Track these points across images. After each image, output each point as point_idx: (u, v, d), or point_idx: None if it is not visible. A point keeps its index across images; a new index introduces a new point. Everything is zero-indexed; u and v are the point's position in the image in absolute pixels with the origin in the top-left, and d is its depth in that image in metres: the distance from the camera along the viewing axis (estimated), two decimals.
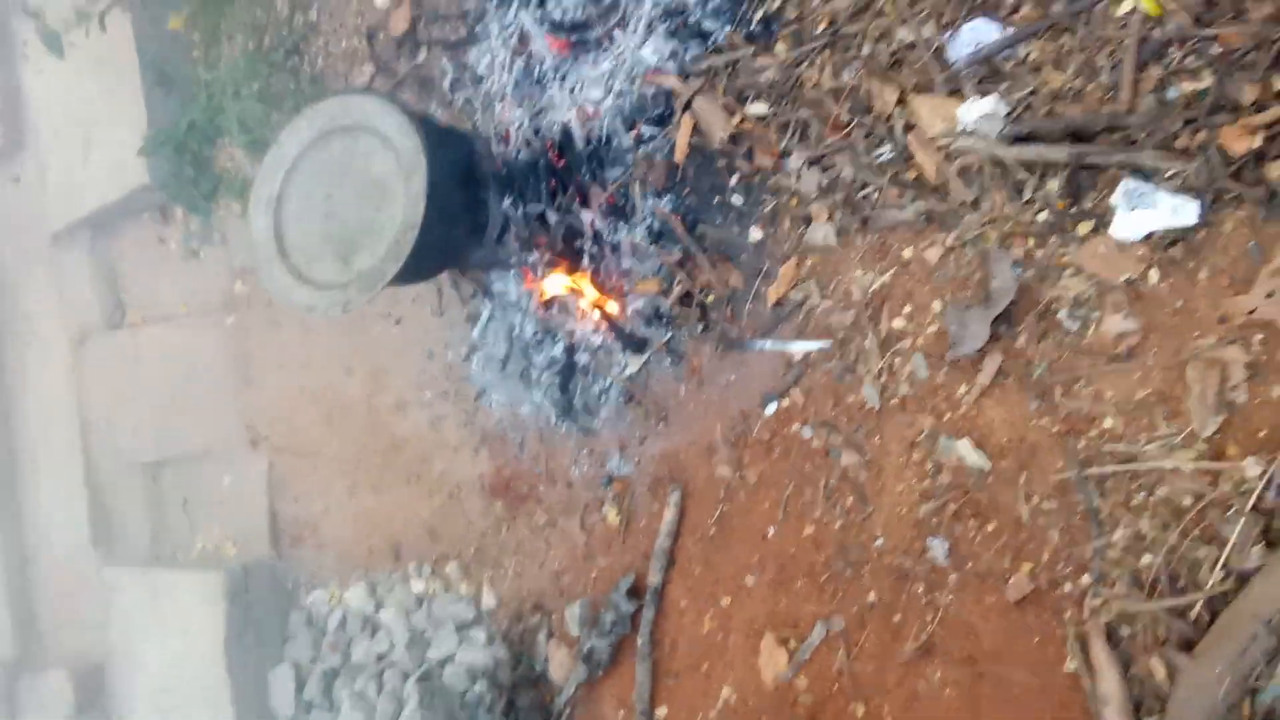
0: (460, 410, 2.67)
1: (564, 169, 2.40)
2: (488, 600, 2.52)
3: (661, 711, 2.12)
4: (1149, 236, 1.67)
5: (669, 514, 2.17)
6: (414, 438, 2.76)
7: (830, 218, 2.02)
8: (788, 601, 1.99)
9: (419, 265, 2.28)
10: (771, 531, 2.04)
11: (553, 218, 2.39)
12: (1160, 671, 1.59)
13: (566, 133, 2.40)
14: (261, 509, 3.03)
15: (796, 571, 1.99)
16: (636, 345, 2.33)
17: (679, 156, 2.21)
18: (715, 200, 2.21)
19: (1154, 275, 1.68)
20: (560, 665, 2.28)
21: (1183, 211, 1.63)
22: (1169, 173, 1.64)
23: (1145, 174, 1.67)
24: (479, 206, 2.46)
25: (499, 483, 2.57)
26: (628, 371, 2.34)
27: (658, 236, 2.28)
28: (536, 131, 2.46)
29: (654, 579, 2.16)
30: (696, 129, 2.19)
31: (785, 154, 2.08)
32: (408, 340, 2.78)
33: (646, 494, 2.25)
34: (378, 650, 2.55)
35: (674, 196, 2.25)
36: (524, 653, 2.37)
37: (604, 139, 2.36)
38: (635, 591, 2.18)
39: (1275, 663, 1.44)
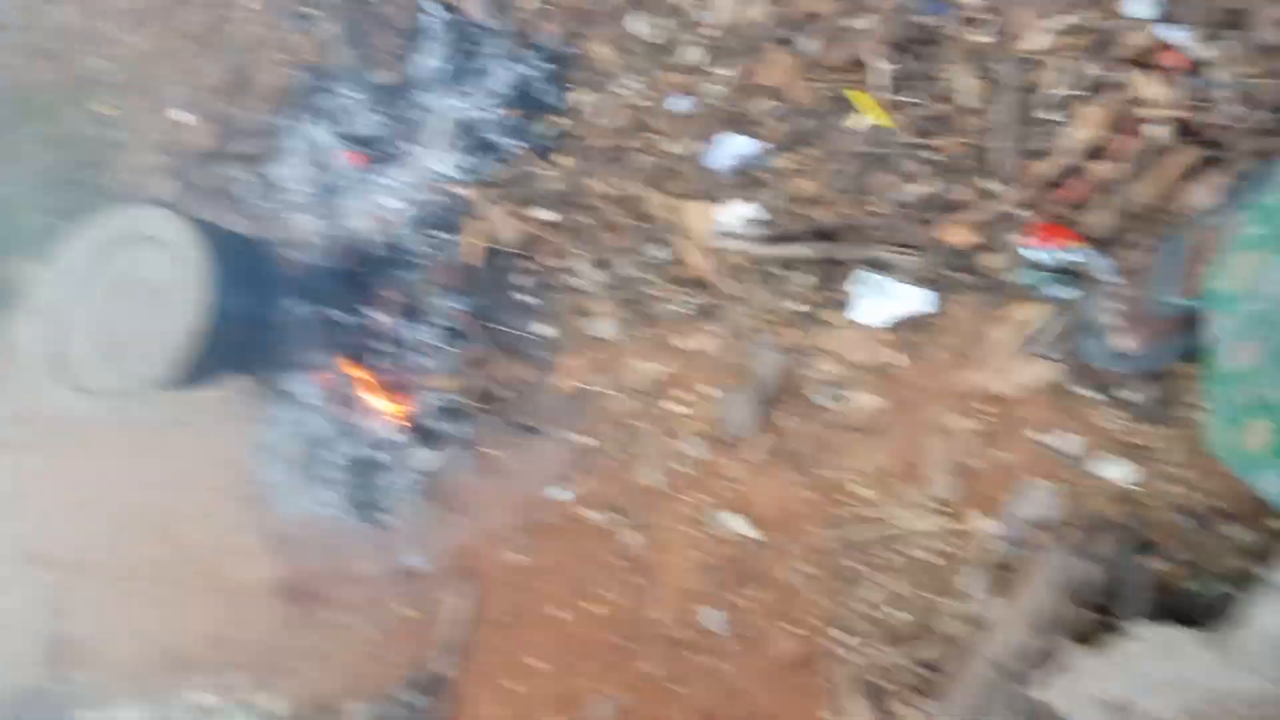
0: (256, 514, 2.61)
1: (359, 273, 2.47)
2: (279, 709, 2.41)
3: None
4: (892, 322, 1.88)
5: (464, 605, 2.17)
6: (208, 545, 2.66)
7: (613, 314, 2.16)
8: (574, 681, 2.01)
9: (205, 370, 2.28)
10: (561, 614, 2.08)
11: (348, 320, 2.44)
12: (913, 717, 1.70)
13: (362, 239, 2.48)
14: (37, 630, 2.82)
15: (584, 651, 2.02)
16: (433, 441, 2.36)
17: (471, 259, 2.32)
18: (507, 300, 2.31)
19: (896, 356, 1.87)
20: None
21: (916, 299, 1.84)
22: (902, 266, 1.86)
23: (882, 267, 1.88)
24: (272, 311, 2.48)
25: (294, 586, 2.50)
26: (424, 467, 2.36)
27: (452, 336, 2.36)
28: (333, 238, 2.53)
29: (448, 671, 2.13)
30: (488, 234, 2.31)
31: (570, 256, 2.22)
32: (203, 446, 2.71)
33: (443, 586, 2.25)
34: None
35: (467, 297, 2.34)
36: None
37: (399, 244, 2.45)
38: (428, 685, 2.15)
39: (1005, 703, 1.56)
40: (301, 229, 2.60)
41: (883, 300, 1.88)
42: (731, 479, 1.98)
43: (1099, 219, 1.71)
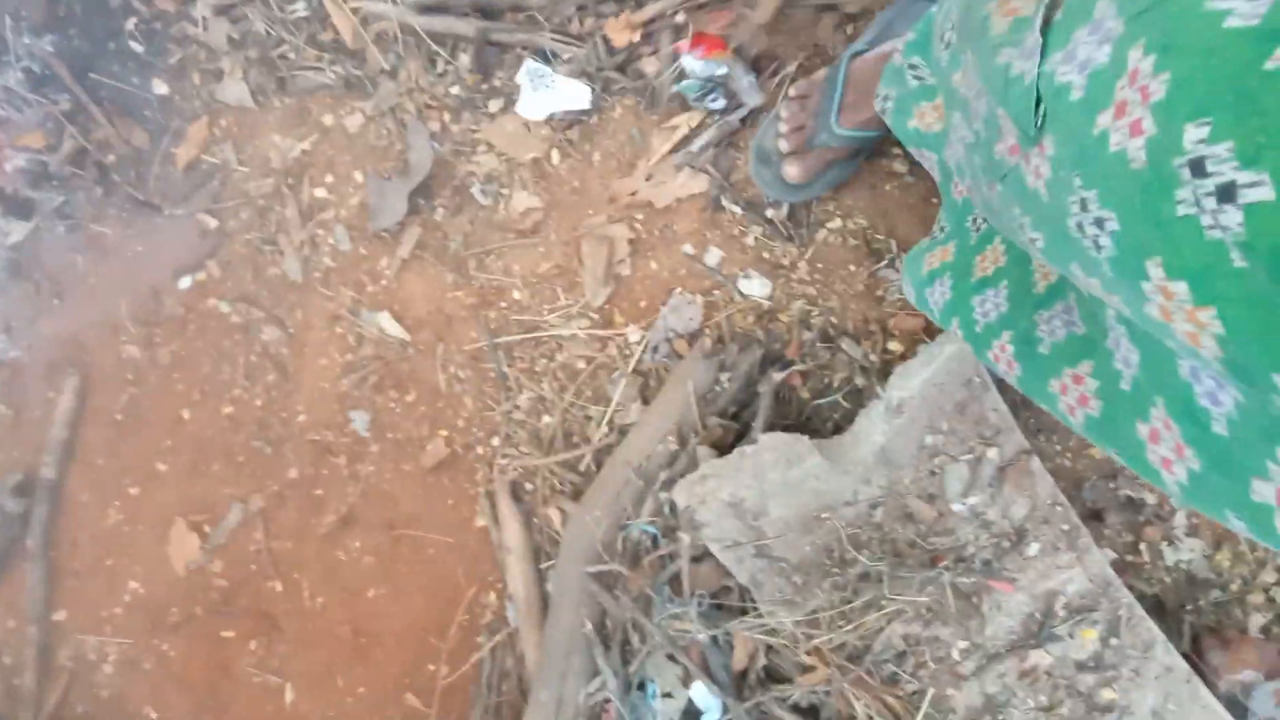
0: None
1: None
2: None
3: (60, 615, 1.91)
4: (551, 118, 1.77)
5: (66, 401, 1.93)
6: None
7: (244, 75, 1.87)
8: (204, 485, 1.88)
9: None
10: (187, 414, 1.90)
11: None
12: (556, 520, 1.76)
13: None
14: None
15: (214, 454, 1.88)
16: (21, 209, 1.99)
17: None
18: (111, 46, 1.93)
19: (556, 156, 1.79)
20: None
21: (577, 96, 1.75)
22: (565, 57, 1.74)
23: (546, 56, 1.76)
24: None
25: None
26: (11, 239, 2.00)
27: (40, 82, 1.95)
28: None
29: (48, 473, 1.91)
30: None
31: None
32: None
33: (40, 380, 1.97)
34: None
35: (58, 36, 1.92)
36: None
37: None
38: (26, 489, 1.92)
39: (642, 503, 1.65)
40: None
41: (544, 93, 1.76)
42: (379, 274, 1.85)
43: (753, 39, 1.68)
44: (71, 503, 1.92)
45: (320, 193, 1.87)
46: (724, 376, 1.68)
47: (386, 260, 1.84)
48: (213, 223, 1.91)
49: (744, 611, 1.52)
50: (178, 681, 1.86)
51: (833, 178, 1.65)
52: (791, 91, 1.61)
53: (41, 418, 1.95)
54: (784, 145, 1.60)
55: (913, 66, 1.28)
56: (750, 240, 1.72)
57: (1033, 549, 1.50)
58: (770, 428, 1.64)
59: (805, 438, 1.55)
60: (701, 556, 1.59)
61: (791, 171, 1.60)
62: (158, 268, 1.92)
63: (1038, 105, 0.77)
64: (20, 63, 1.92)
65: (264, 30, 1.85)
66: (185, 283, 1.91)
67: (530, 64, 1.74)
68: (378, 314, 1.84)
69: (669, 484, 1.65)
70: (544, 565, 1.76)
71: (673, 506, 1.64)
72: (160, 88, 1.92)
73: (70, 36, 1.93)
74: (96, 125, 1.94)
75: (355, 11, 1.78)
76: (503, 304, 1.81)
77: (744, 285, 1.73)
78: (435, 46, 1.77)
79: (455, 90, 1.79)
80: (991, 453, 1.52)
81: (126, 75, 1.92)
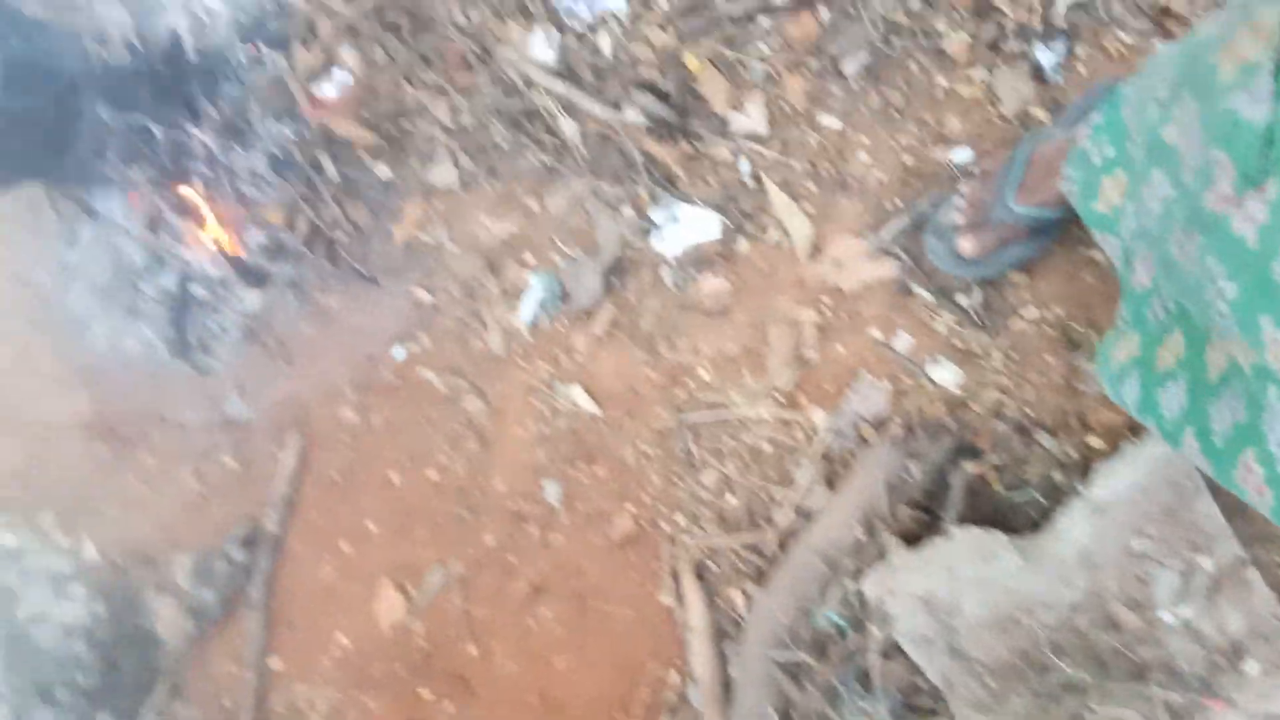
0: (55, 343, 2.40)
1: (173, 79, 2.18)
2: (89, 553, 2.31)
3: (275, 662, 2.07)
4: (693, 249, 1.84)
5: (290, 460, 2.10)
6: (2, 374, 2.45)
7: (455, 161, 2.00)
8: (409, 548, 2.00)
9: None
10: (396, 478, 2.04)
11: (160, 133, 2.17)
12: (739, 601, 1.78)
13: (176, 39, 2.18)
14: None
15: (419, 517, 2.00)
16: (257, 280, 2.20)
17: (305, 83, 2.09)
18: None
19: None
20: (168, 620, 2.15)
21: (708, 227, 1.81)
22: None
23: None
24: (70, 113, 2.17)
25: (101, 424, 2.35)
26: (248, 308, 2.21)
27: (281, 165, 2.15)
28: (141, 37, 2.21)
29: (272, 527, 2.08)
30: (323, 56, 2.07)
31: (416, 88, 2.03)
32: None
33: (267, 439, 2.16)
34: None
35: (298, 124, 2.12)
36: (128, 608, 2.21)
37: (222, 52, 2.18)
38: (251, 540, 2.10)
39: (828, 591, 1.65)
40: (103, 19, 2.26)
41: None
42: (574, 350, 1.93)
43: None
44: (290, 556, 2.09)
45: (522, 271, 1.97)
46: (913, 465, 1.66)
47: (581, 337, 1.92)
48: (426, 297, 2.05)
49: (934, 713, 1.49)
50: None
51: (1010, 258, 1.62)
52: (975, 169, 1.61)
53: (267, 474, 2.13)
54: (959, 219, 1.60)
55: (1098, 146, 1.27)
56: (941, 326, 1.70)
57: (1252, 667, 1.41)
58: (961, 521, 1.61)
59: (1000, 534, 1.51)
60: (891, 651, 1.57)
61: (965, 246, 1.59)
62: (375, 337, 2.08)
63: (1268, 148, 0.81)
64: (265, 147, 2.12)
65: (474, 121, 1.98)
66: (399, 353, 2.05)
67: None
68: (571, 387, 1.92)
69: (856, 573, 1.64)
70: (726, 646, 1.78)
71: (860, 596, 1.63)
72: (383, 171, 2.08)
73: (306, 123, 2.12)
74: (326, 205, 2.12)
75: (556, 101, 1.88)
76: (690, 383, 1.86)
77: (934, 372, 1.71)
78: (633, 149, 1.85)
79: (643, 191, 1.86)
80: (1204, 561, 1.44)
81: (355, 158, 2.09)
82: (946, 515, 1.63)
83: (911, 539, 1.64)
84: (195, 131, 2.16)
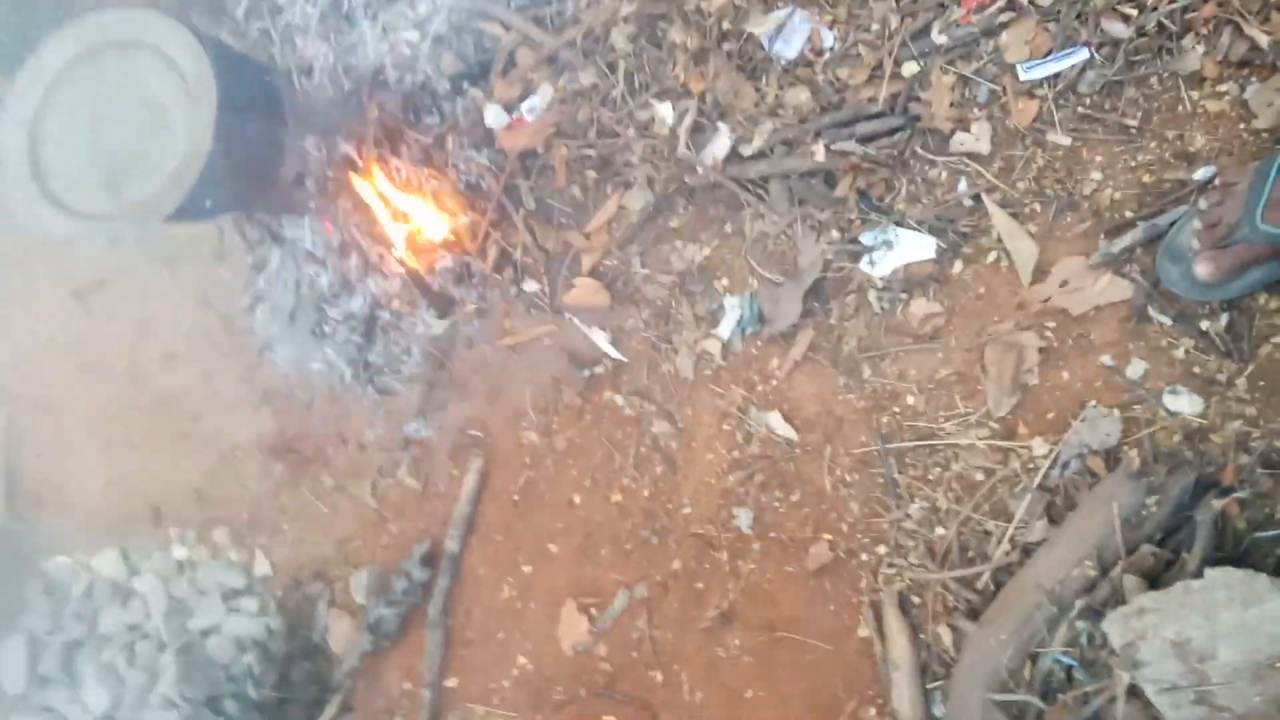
0: (239, 365, 2.46)
1: (376, 112, 2.25)
2: (261, 568, 2.33)
3: (452, 682, 2.03)
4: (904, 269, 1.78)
5: (470, 480, 2.08)
6: (184, 393, 2.52)
7: (650, 184, 2.00)
8: (592, 569, 1.95)
9: (202, 201, 2.05)
10: (578, 499, 2.00)
11: (360, 162, 2.24)
12: (947, 638, 1.67)
13: (378, 73, 2.26)
14: None
15: (602, 539, 1.95)
16: (443, 304, 2.22)
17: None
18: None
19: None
20: (342, 636, 2.14)
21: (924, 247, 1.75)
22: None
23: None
24: (274, 144, 2.26)
25: (281, 443, 2.38)
26: (433, 331, 2.23)
27: (472, 190, 2.18)
28: (344, 70, 2.30)
29: (452, 546, 2.06)
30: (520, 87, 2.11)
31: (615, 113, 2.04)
32: (181, 287, 2.53)
33: (447, 459, 2.15)
34: (130, 620, 2.30)
35: (491, 150, 2.16)
36: (301, 623, 2.21)
37: (420, 84, 2.24)
38: (430, 559, 2.07)
39: (1055, 630, 1.53)
40: (305, 55, 2.36)
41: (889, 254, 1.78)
42: (769, 374, 1.88)
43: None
44: (469, 575, 2.06)
45: (716, 295, 1.93)
46: (1151, 500, 1.54)
47: (778, 361, 1.87)
48: (613, 321, 2.03)
49: None
50: None
51: (1251, 281, 1.51)
52: (1216, 181, 1.51)
53: (446, 493, 2.12)
54: (1195, 243, 1.50)
55: None
56: (1180, 353, 1.60)
57: None
58: (1206, 559, 1.48)
59: (1265, 576, 1.38)
60: (1126, 696, 1.43)
61: (1202, 270, 1.49)
62: (559, 362, 2.06)
63: None
64: (461, 175, 2.16)
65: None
66: (584, 376, 2.03)
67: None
68: (767, 413, 1.86)
69: (1088, 612, 1.52)
70: (930, 685, 1.67)
71: (1092, 637, 1.51)
72: (576, 195, 2.09)
73: (504, 152, 2.15)
74: (516, 231, 2.13)
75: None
76: (895, 409, 1.78)
77: (1170, 401, 1.60)
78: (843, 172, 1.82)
79: (853, 214, 1.82)
80: None
81: (547, 185, 2.11)
82: (1189, 554, 1.50)
83: (1152, 578, 1.52)
84: (393, 160, 2.22)
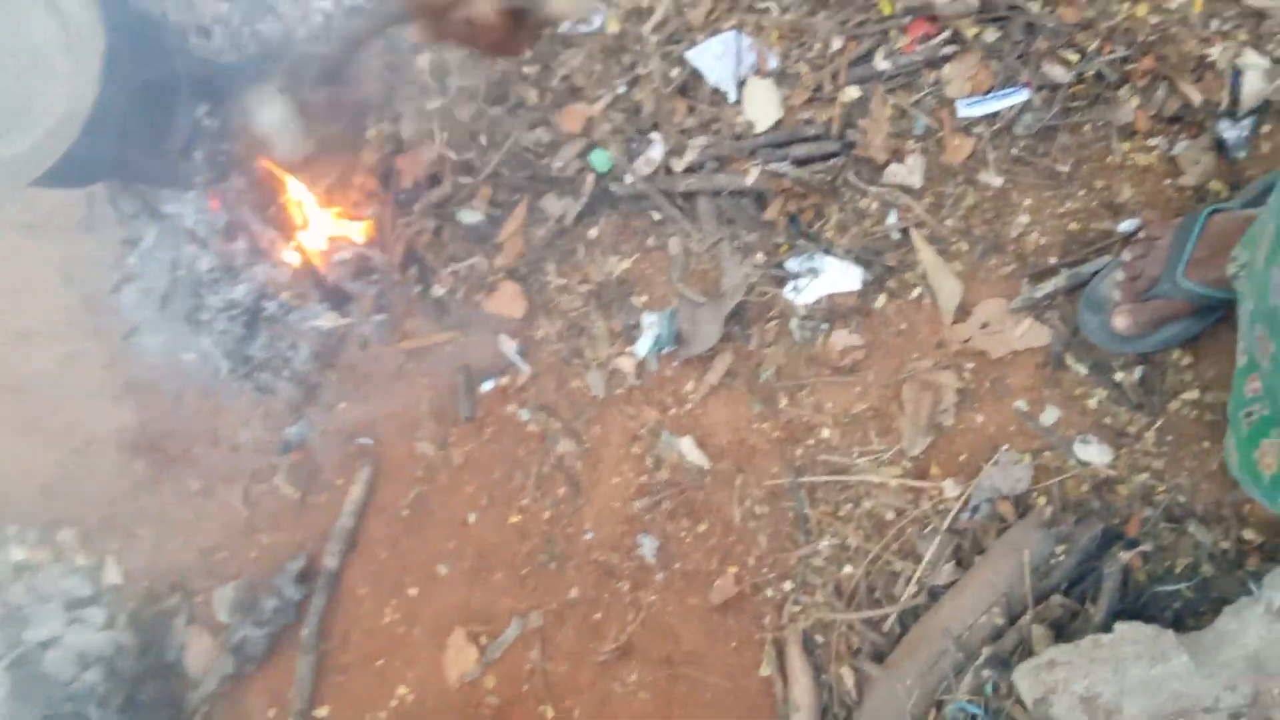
0: (102, 350, 2.26)
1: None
2: (112, 576, 2.13)
3: (323, 711, 1.88)
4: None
5: (356, 491, 1.94)
6: (36, 377, 2.29)
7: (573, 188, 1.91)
8: (483, 594, 1.84)
9: (80, 165, 1.86)
10: (473, 518, 1.88)
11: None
12: (850, 680, 1.63)
13: (287, 39, 2.10)
14: None
15: (497, 562, 1.85)
16: (338, 300, 2.07)
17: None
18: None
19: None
20: (200, 655, 1.96)
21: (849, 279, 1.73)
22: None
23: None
24: (164, 109, 2.07)
25: (143, 439, 2.19)
26: (324, 327, 2.08)
27: (383, 179, 2.05)
28: (250, 34, 2.14)
29: (330, 562, 1.91)
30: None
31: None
32: (42, 257, 2.31)
33: (331, 467, 2.00)
34: None
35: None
36: (154, 640, 2.02)
37: (336, 54, 2.09)
38: (305, 575, 1.92)
39: (961, 677, 1.51)
40: (207, 14, 2.18)
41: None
42: (684, 398, 1.81)
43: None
44: (348, 595, 1.92)
45: (633, 311, 1.86)
46: (1059, 549, 1.54)
47: (693, 384, 1.81)
48: (523, 330, 1.93)
49: None
50: None
51: (1167, 337, 1.54)
52: (1140, 234, 1.53)
53: (328, 505, 1.97)
54: (1116, 294, 1.51)
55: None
56: (1093, 403, 1.60)
57: None
58: (1112, 612, 1.49)
59: (1170, 633, 1.39)
60: None
61: (1120, 322, 1.51)
62: (459, 368, 1.95)
63: None
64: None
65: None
66: (488, 385, 1.92)
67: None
68: (679, 438, 1.79)
69: (994, 660, 1.50)
70: None
71: (996, 686, 1.50)
72: (486, 196, 1.98)
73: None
74: (423, 228, 2.01)
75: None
76: (810, 441, 1.74)
77: (1081, 450, 1.60)
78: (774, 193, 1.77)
79: (780, 238, 1.78)
80: None
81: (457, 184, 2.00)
82: (1097, 607, 1.51)
83: (1057, 629, 1.51)
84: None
